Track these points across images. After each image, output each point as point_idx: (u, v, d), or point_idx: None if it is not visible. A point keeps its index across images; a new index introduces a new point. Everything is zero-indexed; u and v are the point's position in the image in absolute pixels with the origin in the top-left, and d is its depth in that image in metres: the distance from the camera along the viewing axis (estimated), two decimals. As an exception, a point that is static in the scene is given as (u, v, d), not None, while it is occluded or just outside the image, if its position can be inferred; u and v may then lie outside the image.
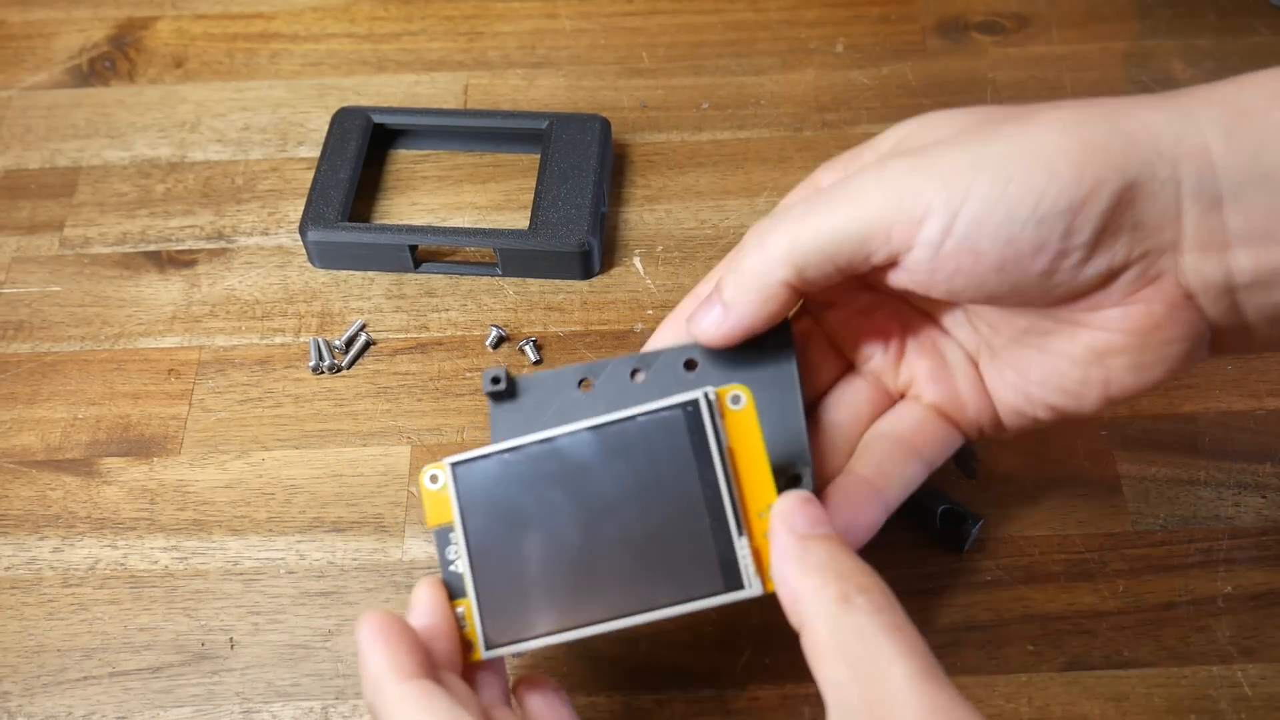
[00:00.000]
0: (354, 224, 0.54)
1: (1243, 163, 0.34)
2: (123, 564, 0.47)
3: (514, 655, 0.38)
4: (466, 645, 0.37)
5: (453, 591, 0.38)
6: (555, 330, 0.53)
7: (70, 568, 0.47)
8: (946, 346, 0.42)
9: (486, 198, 0.57)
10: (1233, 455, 0.48)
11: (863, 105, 0.59)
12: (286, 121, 0.60)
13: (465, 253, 0.55)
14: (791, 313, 0.41)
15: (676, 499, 0.36)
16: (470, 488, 0.38)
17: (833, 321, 0.43)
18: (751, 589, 0.36)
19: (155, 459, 0.50)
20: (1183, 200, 0.34)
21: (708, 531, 0.36)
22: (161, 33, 0.64)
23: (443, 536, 0.38)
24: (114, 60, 0.63)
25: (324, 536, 0.47)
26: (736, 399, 0.37)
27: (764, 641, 0.44)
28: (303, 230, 0.54)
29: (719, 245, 0.55)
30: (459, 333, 0.53)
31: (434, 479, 0.38)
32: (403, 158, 0.59)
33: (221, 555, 0.47)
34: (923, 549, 0.46)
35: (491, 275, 0.54)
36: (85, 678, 0.45)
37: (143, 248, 0.56)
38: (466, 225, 0.56)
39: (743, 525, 0.36)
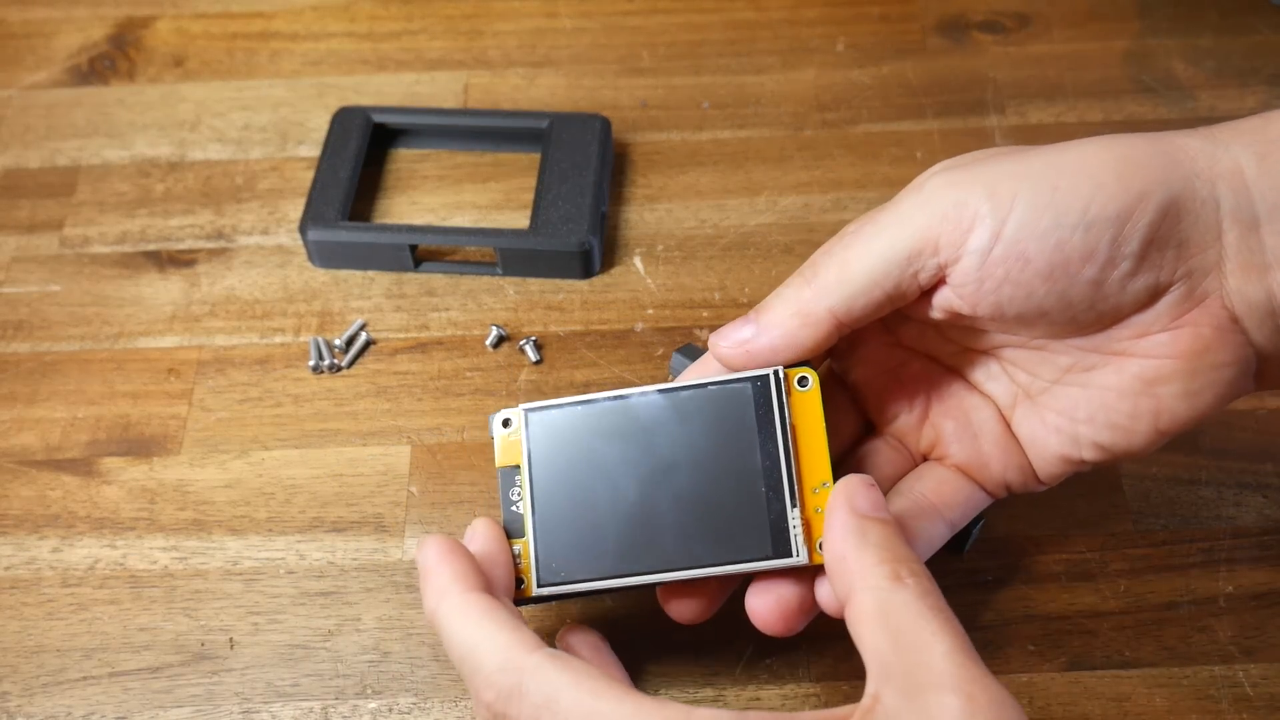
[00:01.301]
0: (354, 223, 0.54)
1: (1276, 186, 0.35)
2: (122, 564, 0.47)
3: (563, 596, 0.39)
4: (518, 582, 0.39)
5: (511, 532, 0.40)
6: (555, 330, 0.52)
7: (70, 567, 0.47)
8: (973, 405, 0.41)
9: (487, 197, 0.57)
10: (1234, 455, 0.48)
11: (863, 104, 0.59)
12: (286, 121, 0.60)
13: (465, 252, 0.55)
14: (821, 363, 0.41)
15: (736, 466, 0.38)
16: (540, 434, 0.40)
17: (858, 381, 0.43)
18: (798, 558, 0.37)
19: (155, 459, 0.50)
20: (1223, 220, 0.35)
21: (762, 499, 0.38)
22: (161, 32, 0.64)
23: (507, 478, 0.40)
24: (114, 59, 0.63)
25: (324, 536, 0.47)
26: (804, 381, 0.39)
27: (765, 641, 0.44)
28: (303, 229, 0.54)
29: (719, 244, 0.55)
30: (459, 332, 0.53)
31: (506, 423, 0.40)
32: (403, 157, 0.59)
33: (221, 555, 0.47)
34: (924, 549, 0.46)
35: (492, 274, 0.54)
36: (85, 678, 0.45)
37: (142, 247, 0.56)
38: (466, 224, 0.56)
39: (797, 497, 0.38)
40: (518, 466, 0.40)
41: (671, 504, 0.38)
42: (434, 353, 0.52)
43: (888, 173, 0.57)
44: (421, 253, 0.54)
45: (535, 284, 0.54)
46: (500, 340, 0.52)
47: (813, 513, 0.38)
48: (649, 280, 0.54)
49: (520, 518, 0.39)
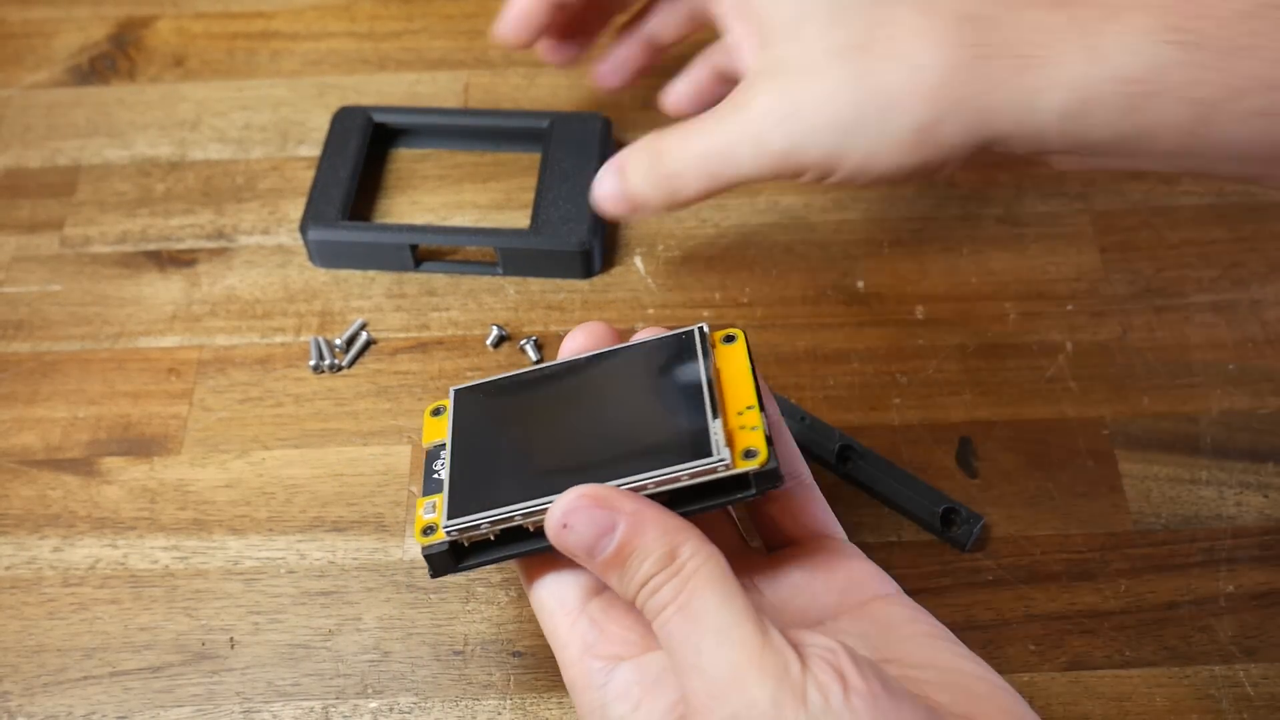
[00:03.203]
0: (354, 223, 0.54)
1: None
2: (123, 563, 0.47)
3: (476, 528, 0.37)
4: (430, 529, 0.37)
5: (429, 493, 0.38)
6: (556, 329, 0.52)
7: (70, 567, 0.47)
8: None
9: (487, 197, 0.57)
10: (1234, 454, 0.48)
11: (864, 104, 0.59)
12: (287, 120, 0.60)
13: (466, 252, 0.55)
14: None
15: (657, 404, 0.38)
16: (465, 408, 0.40)
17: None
18: (719, 456, 0.35)
19: (155, 458, 0.50)
20: None
21: (685, 421, 0.37)
22: (162, 31, 0.64)
23: (433, 454, 0.40)
24: (114, 59, 0.63)
25: (324, 536, 0.47)
26: (730, 338, 0.39)
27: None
28: (303, 229, 0.54)
29: (720, 244, 0.55)
30: (460, 332, 0.53)
31: (436, 412, 0.41)
32: (403, 157, 0.59)
33: (222, 555, 0.47)
34: (924, 548, 0.46)
35: (492, 274, 0.54)
36: (85, 677, 0.45)
37: (143, 247, 0.56)
38: (467, 224, 0.56)
39: (718, 410, 0.37)
40: (444, 444, 0.39)
41: (591, 438, 0.38)
42: (434, 352, 0.52)
43: (888, 172, 0.57)
44: (422, 252, 0.54)
45: (536, 284, 0.54)
46: (501, 340, 0.52)
47: (736, 428, 0.36)
48: (649, 280, 0.54)
49: (440, 482, 0.38)
